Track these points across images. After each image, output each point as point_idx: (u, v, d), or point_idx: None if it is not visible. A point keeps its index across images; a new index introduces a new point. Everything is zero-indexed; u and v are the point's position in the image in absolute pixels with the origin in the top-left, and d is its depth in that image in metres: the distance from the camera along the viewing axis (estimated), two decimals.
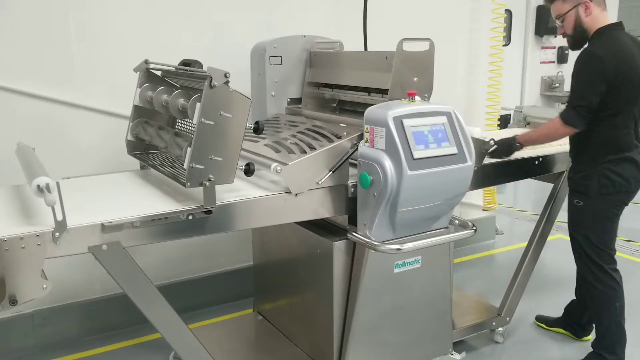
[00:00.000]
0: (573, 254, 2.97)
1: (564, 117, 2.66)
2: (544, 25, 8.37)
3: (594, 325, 3.14)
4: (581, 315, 3.26)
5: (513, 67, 7.85)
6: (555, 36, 8.60)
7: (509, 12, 7.10)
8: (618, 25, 2.74)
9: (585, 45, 2.71)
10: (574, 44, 2.80)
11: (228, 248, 3.78)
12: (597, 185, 2.73)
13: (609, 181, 2.71)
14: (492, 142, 2.75)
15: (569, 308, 3.36)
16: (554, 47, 8.78)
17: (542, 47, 8.69)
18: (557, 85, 8.75)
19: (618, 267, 2.91)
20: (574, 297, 3.31)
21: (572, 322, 3.35)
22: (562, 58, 8.82)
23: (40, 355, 3.23)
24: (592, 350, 3.04)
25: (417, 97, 2.35)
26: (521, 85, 8.34)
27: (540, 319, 3.54)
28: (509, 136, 2.87)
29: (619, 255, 2.94)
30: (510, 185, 7.13)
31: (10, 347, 3.23)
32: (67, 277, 3.25)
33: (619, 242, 3.03)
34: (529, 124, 3.93)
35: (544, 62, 8.75)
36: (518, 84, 8.30)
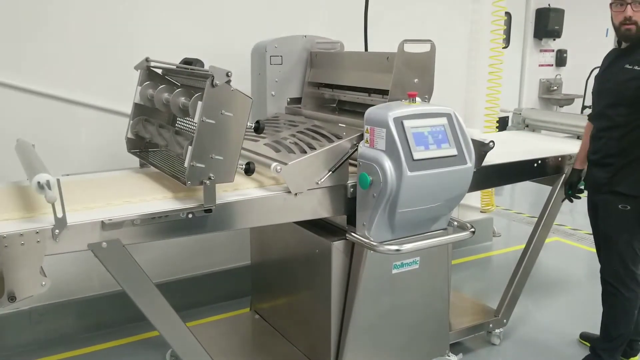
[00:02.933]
0: (603, 258, 2.91)
1: None
2: (543, 29, 8.40)
3: None
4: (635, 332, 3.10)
5: (512, 70, 7.87)
6: (554, 39, 8.63)
7: (508, 15, 7.12)
8: None
9: None
10: (636, 36, 2.63)
11: (226, 247, 3.78)
12: None
13: None
14: (491, 144, 2.74)
15: None
16: (553, 50, 8.81)
17: (541, 50, 8.72)
18: (555, 88, 8.77)
19: None
20: None
21: None
22: (560, 61, 8.84)
23: (37, 352, 3.22)
24: (592, 351, 3.06)
25: (417, 99, 2.36)
26: (519, 87, 8.36)
27: (584, 337, 3.37)
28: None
29: None
30: (507, 188, 7.14)
31: (7, 343, 3.22)
32: (64, 274, 3.25)
33: None
34: (527, 126, 3.95)
35: (542, 65, 8.78)
36: (516, 87, 8.32)
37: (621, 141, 2.70)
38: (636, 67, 2.61)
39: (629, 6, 2.59)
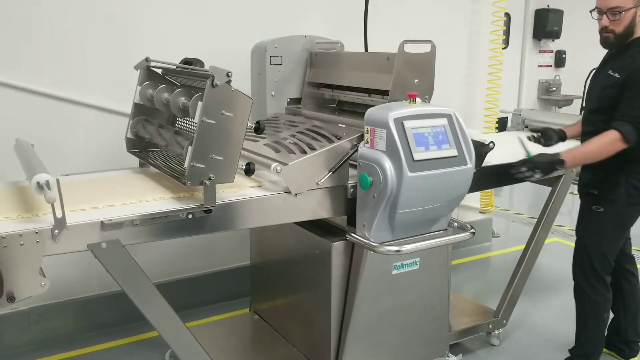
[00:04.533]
0: (574, 259, 2.92)
1: (625, 132, 2.48)
2: (542, 29, 8.41)
3: None
4: (626, 332, 3.11)
5: (511, 71, 7.87)
6: (553, 40, 8.64)
7: (507, 16, 7.12)
8: None
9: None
10: (614, 44, 2.63)
11: (226, 247, 3.78)
12: (624, 194, 2.66)
13: (636, 191, 2.66)
14: (491, 144, 2.73)
15: (614, 325, 3.14)
16: (552, 51, 8.82)
17: (540, 51, 8.72)
18: (554, 89, 8.78)
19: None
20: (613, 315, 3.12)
21: (618, 340, 3.15)
22: (559, 62, 8.85)
23: (35, 352, 3.21)
24: (569, 356, 3.05)
25: (417, 99, 2.35)
26: (519, 88, 8.36)
27: None
28: (549, 152, 2.72)
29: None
30: (506, 188, 7.15)
31: (5, 343, 3.21)
32: (63, 274, 3.24)
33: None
34: (527, 127, 3.95)
35: (541, 66, 8.78)
36: (516, 87, 8.32)
37: None
38: (616, 75, 2.59)
39: (604, 16, 2.60)
